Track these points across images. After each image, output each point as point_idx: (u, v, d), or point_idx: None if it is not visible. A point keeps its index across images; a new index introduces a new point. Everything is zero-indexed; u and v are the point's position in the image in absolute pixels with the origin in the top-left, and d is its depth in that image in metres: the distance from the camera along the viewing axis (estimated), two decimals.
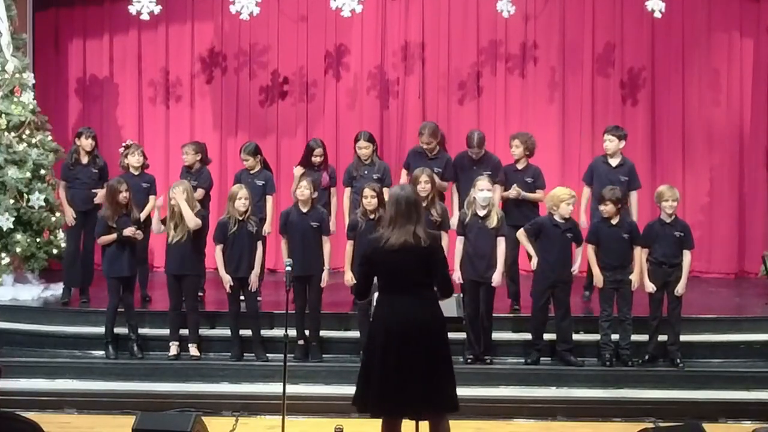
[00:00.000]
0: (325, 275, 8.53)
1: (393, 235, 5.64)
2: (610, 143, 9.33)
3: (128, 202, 8.69)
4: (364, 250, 6.08)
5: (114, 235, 8.56)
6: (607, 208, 8.45)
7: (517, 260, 9.22)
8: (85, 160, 9.65)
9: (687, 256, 8.47)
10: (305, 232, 8.49)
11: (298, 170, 9.36)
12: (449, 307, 5.89)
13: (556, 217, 8.42)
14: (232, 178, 10.13)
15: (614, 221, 8.48)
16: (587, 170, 9.59)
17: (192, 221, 8.45)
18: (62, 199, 9.76)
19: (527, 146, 9.29)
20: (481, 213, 8.40)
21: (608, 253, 8.45)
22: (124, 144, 9.89)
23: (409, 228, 5.63)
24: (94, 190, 9.61)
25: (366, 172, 9.21)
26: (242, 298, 8.66)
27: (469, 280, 8.40)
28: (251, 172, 9.47)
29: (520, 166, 9.30)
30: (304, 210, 8.52)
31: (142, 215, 9.02)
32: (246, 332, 8.60)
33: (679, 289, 8.39)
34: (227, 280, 8.50)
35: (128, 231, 8.56)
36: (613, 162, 9.33)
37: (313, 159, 9.38)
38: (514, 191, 9.12)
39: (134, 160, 9.48)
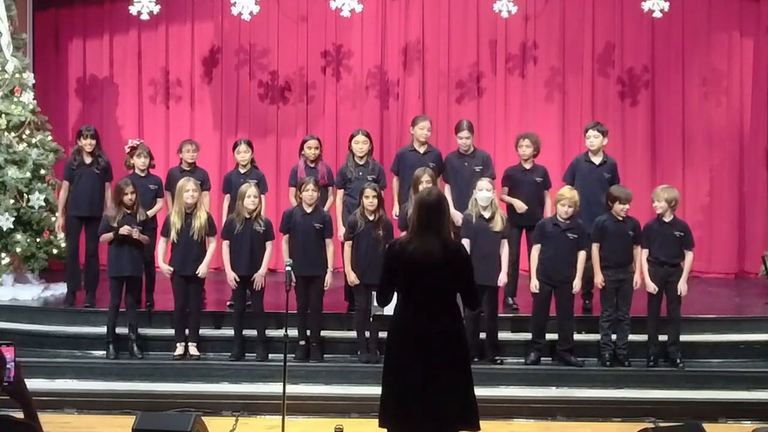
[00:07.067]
0: (328, 277, 8.55)
1: (414, 243, 5.36)
2: (595, 139, 9.14)
3: (134, 204, 8.64)
4: (386, 256, 5.67)
5: (111, 234, 8.55)
6: (624, 208, 8.38)
7: (518, 261, 9.23)
8: (88, 160, 9.46)
9: (688, 255, 8.46)
10: (308, 233, 8.49)
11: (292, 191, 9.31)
12: None
13: (558, 217, 8.42)
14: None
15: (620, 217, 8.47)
16: (568, 169, 9.44)
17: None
18: (60, 202, 9.64)
19: (537, 146, 9.23)
20: (486, 214, 8.38)
21: (612, 250, 8.42)
22: (130, 143, 9.71)
23: (431, 235, 5.33)
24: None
25: (361, 173, 9.11)
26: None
27: None
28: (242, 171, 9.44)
29: (527, 166, 9.24)
30: (308, 211, 8.52)
31: (149, 213, 8.96)
32: (248, 332, 8.58)
33: (681, 288, 8.38)
34: (232, 276, 8.52)
35: (124, 230, 8.50)
36: (596, 160, 9.17)
37: (307, 151, 9.30)
38: (520, 206, 9.05)
39: (140, 162, 9.33)
